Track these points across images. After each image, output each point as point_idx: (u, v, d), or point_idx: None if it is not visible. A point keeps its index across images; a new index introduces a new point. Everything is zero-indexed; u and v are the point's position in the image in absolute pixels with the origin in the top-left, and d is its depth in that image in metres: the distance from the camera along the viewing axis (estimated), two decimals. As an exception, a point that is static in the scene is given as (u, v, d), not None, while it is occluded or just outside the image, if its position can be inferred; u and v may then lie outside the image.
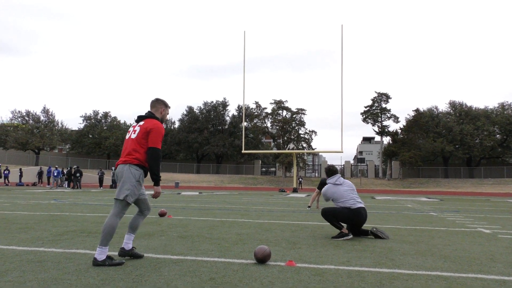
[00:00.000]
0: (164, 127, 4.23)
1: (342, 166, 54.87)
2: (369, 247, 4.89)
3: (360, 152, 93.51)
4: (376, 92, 48.66)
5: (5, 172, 30.97)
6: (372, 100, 48.61)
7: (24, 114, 51.03)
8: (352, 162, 63.45)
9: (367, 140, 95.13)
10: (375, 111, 48.15)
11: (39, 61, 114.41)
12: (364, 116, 48.77)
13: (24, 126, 50.02)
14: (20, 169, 32.52)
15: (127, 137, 3.88)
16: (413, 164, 44.37)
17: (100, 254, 3.47)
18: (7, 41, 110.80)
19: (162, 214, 8.08)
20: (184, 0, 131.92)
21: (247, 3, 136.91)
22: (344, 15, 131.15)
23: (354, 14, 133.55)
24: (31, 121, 50.71)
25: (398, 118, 48.24)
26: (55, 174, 27.46)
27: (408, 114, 49.99)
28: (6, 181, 30.68)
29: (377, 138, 64.14)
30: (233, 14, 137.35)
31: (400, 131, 48.10)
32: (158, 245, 4.70)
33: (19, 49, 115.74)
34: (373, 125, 48.77)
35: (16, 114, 50.90)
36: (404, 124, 47.96)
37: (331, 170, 6.18)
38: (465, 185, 41.86)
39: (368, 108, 48.68)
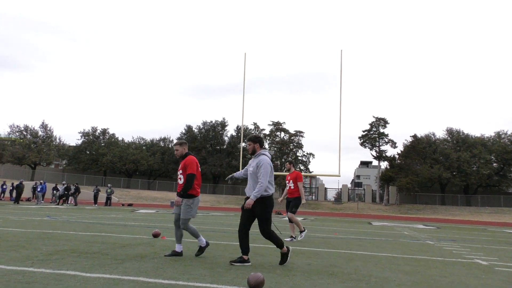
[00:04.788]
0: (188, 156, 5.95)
1: (340, 189, 54.67)
2: (365, 276, 4.81)
3: (358, 176, 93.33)
4: (374, 116, 48.94)
5: (3, 187, 30.71)
6: (370, 124, 48.84)
7: (22, 128, 50.98)
8: (349, 186, 63.22)
9: (364, 164, 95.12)
10: (373, 136, 48.30)
11: (40, 77, 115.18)
12: (362, 140, 48.89)
13: (21, 140, 49.88)
14: (13, 184, 32.26)
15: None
16: (410, 190, 44.22)
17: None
18: (9, 56, 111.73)
19: (155, 235, 7.97)
20: (185, 20, 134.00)
21: (247, 25, 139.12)
22: (343, 40, 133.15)
23: (353, 39, 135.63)
24: (29, 136, 50.61)
25: (395, 143, 48.37)
26: (39, 189, 27.05)
27: (405, 140, 50.21)
28: (2, 195, 30.40)
29: (375, 162, 64.16)
30: (233, 36, 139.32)
31: (397, 156, 48.16)
32: (150, 267, 4.61)
33: (20, 64, 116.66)
34: (370, 150, 48.84)
35: (14, 128, 50.82)
36: (402, 149, 48.04)
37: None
38: (463, 212, 41.66)
39: (366, 132, 48.85)
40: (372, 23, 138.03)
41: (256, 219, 5.29)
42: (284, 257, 5.38)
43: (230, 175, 5.91)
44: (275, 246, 5.40)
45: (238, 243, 5.34)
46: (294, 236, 9.16)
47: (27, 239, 6.64)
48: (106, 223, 11.83)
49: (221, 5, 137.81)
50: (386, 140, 48.15)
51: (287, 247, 5.41)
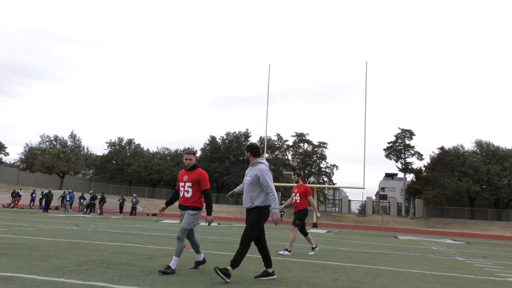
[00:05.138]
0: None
1: (364, 202, 53.81)
2: (393, 294, 4.70)
3: (382, 189, 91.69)
4: (399, 128, 48.17)
5: (33, 195, 31.67)
6: (396, 136, 48.06)
7: (52, 138, 52.58)
8: (374, 198, 62.17)
9: (389, 176, 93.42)
10: (399, 148, 47.48)
11: (70, 88, 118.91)
12: (387, 152, 48.11)
13: (51, 150, 51.42)
14: (42, 192, 33.21)
15: None
16: (437, 203, 43.07)
17: None
18: (40, 67, 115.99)
19: None
20: (210, 32, 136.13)
21: (272, 36, 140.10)
22: (368, 50, 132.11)
23: (378, 49, 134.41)
24: (58, 146, 52.14)
25: (422, 155, 47.36)
26: (67, 198, 27.60)
27: (432, 152, 49.03)
28: (32, 204, 31.33)
29: (400, 174, 62.88)
30: (257, 47, 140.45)
31: (424, 168, 47.09)
32: (177, 280, 4.64)
33: (50, 76, 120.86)
34: (396, 162, 47.97)
35: (44, 138, 52.49)
36: (429, 161, 46.99)
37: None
38: (493, 227, 40.22)
39: (391, 144, 48.08)
40: (397, 34, 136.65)
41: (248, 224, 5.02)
42: (219, 271, 4.66)
43: (231, 192, 5.74)
44: (261, 258, 5.23)
45: (260, 257, 5.22)
46: (315, 246, 8.88)
47: (57, 249, 6.81)
48: (132, 233, 12.01)
49: (246, 18, 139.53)
50: (412, 152, 47.22)
51: (219, 269, 4.69)
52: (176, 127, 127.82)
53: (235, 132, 57.13)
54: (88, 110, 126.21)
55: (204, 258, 5.70)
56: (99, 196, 29.43)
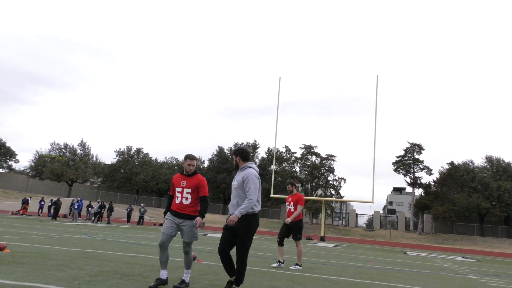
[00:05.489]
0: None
1: (371, 216, 53.36)
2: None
3: (390, 203, 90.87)
4: (408, 142, 47.93)
5: (41, 203, 31.89)
6: (405, 150, 47.79)
7: (62, 146, 53.06)
8: (381, 212, 61.61)
9: (397, 190, 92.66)
10: (407, 162, 47.16)
11: (81, 96, 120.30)
12: (395, 166, 47.79)
13: (61, 158, 51.87)
14: (51, 200, 33.43)
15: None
16: (446, 219, 42.56)
17: None
18: (52, 76, 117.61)
19: (193, 258, 7.99)
20: (219, 43, 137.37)
21: (282, 47, 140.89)
22: (378, 63, 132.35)
23: (388, 62, 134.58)
24: (68, 154, 52.58)
25: (431, 170, 46.94)
26: (76, 206, 27.76)
27: (441, 167, 48.58)
28: (40, 211, 31.52)
29: (408, 189, 62.36)
30: (267, 57, 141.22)
31: (433, 183, 46.68)
32: (191, 294, 4.64)
33: (63, 84, 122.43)
34: (404, 176, 47.60)
35: (54, 146, 52.99)
36: (438, 176, 46.59)
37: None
38: (503, 245, 39.58)
39: (400, 158, 47.78)
40: (407, 48, 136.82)
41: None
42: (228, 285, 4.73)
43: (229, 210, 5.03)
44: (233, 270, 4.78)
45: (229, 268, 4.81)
46: (282, 261, 8.46)
47: (70, 258, 6.85)
48: (141, 243, 12.03)
49: (257, 29, 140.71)
50: (421, 166, 46.88)
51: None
52: (184, 137, 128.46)
53: (243, 143, 57.22)
54: (98, 118, 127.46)
55: (167, 278, 5.02)
56: (107, 205, 29.54)
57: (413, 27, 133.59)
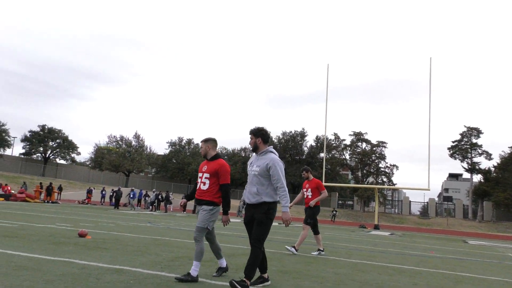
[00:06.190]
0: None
1: (426, 203, 51.68)
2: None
3: (446, 189, 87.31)
4: (465, 126, 45.80)
5: (103, 192, 33.91)
6: (461, 134, 45.72)
7: (118, 138, 55.79)
8: (436, 199, 59.44)
9: (453, 176, 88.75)
10: (464, 147, 45.12)
11: (132, 90, 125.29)
12: (451, 151, 45.90)
13: (117, 150, 54.62)
14: (112, 190, 35.40)
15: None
16: (509, 206, 40.38)
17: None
18: (104, 71, 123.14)
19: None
20: (266, 31, 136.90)
21: (329, 31, 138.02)
22: (431, 45, 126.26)
23: (442, 44, 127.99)
24: (124, 145, 55.24)
25: (491, 154, 44.68)
26: (131, 195, 29.38)
27: (502, 151, 45.90)
28: (102, 201, 33.52)
29: (466, 175, 59.59)
30: (314, 42, 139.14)
31: (493, 169, 44.34)
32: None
33: (114, 78, 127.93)
34: (461, 161, 45.65)
35: (111, 138, 55.82)
36: (499, 161, 44.18)
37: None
38: None
39: (456, 143, 45.81)
40: (462, 28, 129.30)
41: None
42: (236, 284, 3.94)
43: (242, 201, 4.47)
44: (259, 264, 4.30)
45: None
46: (322, 249, 8.27)
47: (145, 245, 7.37)
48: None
49: (304, 17, 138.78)
50: (480, 151, 44.70)
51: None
52: (233, 127, 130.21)
53: (291, 132, 57.26)
54: (150, 110, 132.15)
55: (227, 265, 4.94)
56: (164, 194, 30.89)
57: (466, 6, 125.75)
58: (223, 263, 4.86)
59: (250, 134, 4.48)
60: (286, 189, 4.24)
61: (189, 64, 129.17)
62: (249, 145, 4.54)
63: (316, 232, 8.36)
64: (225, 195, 4.56)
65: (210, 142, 4.80)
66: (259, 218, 4.21)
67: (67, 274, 4.19)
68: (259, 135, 4.42)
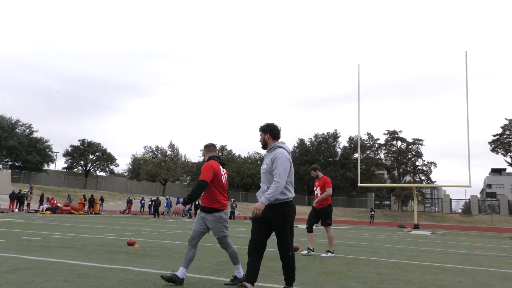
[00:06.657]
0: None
1: (468, 200, 49.96)
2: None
3: (489, 185, 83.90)
4: (506, 119, 44.06)
5: (142, 202, 34.97)
6: (503, 128, 44.02)
7: (154, 149, 57.32)
8: (479, 196, 57.31)
9: (496, 171, 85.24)
10: (507, 140, 43.40)
11: (163, 100, 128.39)
12: (493, 145, 44.26)
13: (153, 160, 56.14)
14: (151, 199, 36.42)
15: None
16: (558, 200, 38.46)
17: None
18: (136, 84, 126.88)
19: (296, 249, 8.44)
20: (294, 34, 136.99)
21: (359, 28, 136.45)
22: (466, 38, 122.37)
23: (477, 38, 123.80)
24: (159, 155, 56.70)
25: (535, 147, 42.72)
26: (166, 204, 30.82)
27: (549, 143, 43.86)
28: (142, 210, 34.55)
29: (509, 169, 57.23)
30: (344, 41, 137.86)
31: (539, 162, 42.43)
32: (308, 280, 5.07)
33: (146, 90, 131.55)
34: (504, 156, 43.94)
35: (147, 149, 57.43)
36: (544, 153, 42.23)
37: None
38: None
39: (497, 136, 44.14)
40: (498, 19, 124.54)
41: (274, 234, 3.99)
42: None
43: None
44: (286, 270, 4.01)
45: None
46: (311, 248, 8.09)
47: (190, 251, 7.68)
48: (242, 236, 12.84)
49: (333, 18, 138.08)
50: (523, 144, 42.85)
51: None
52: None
53: (323, 134, 56.97)
54: (183, 119, 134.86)
55: (243, 275, 4.53)
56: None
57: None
58: (240, 273, 4.61)
59: (259, 131, 4.25)
60: (280, 185, 3.85)
61: (219, 70, 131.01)
62: (259, 143, 4.27)
63: (310, 230, 8.25)
64: (194, 188, 4.42)
65: (204, 148, 4.88)
66: (277, 226, 3.93)
67: (126, 280, 4.52)
68: (268, 130, 4.19)
